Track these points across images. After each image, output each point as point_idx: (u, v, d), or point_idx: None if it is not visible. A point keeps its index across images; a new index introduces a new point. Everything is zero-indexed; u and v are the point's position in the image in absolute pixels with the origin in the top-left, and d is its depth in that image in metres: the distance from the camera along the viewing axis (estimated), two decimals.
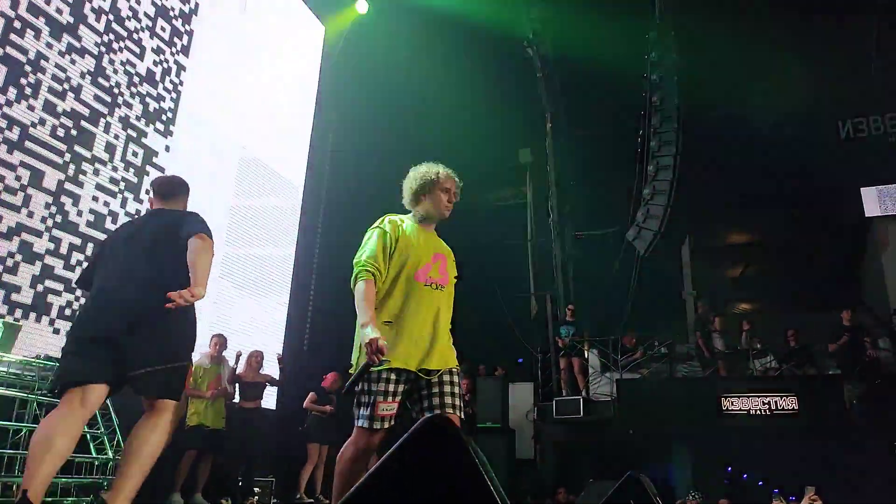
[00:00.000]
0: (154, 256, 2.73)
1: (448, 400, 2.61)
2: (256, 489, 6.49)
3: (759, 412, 8.91)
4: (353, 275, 2.60)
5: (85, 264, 4.57)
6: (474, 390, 9.39)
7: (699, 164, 11.01)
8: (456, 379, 2.69)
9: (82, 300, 5.68)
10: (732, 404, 9.07)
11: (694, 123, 11.13)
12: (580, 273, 11.97)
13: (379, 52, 11.20)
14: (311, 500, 6.96)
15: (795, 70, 10.89)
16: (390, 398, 2.53)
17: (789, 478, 8.40)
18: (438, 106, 11.28)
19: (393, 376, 2.54)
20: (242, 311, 8.24)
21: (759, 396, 8.97)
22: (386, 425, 2.54)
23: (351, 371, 2.59)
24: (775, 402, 8.87)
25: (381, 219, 2.81)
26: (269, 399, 7.82)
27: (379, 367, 2.48)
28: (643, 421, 9.07)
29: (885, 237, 10.88)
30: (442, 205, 2.84)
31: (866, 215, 10.83)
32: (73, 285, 5.80)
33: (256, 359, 6.90)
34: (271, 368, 7.39)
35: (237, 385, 6.71)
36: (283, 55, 9.98)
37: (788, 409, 8.81)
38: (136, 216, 6.59)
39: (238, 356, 6.83)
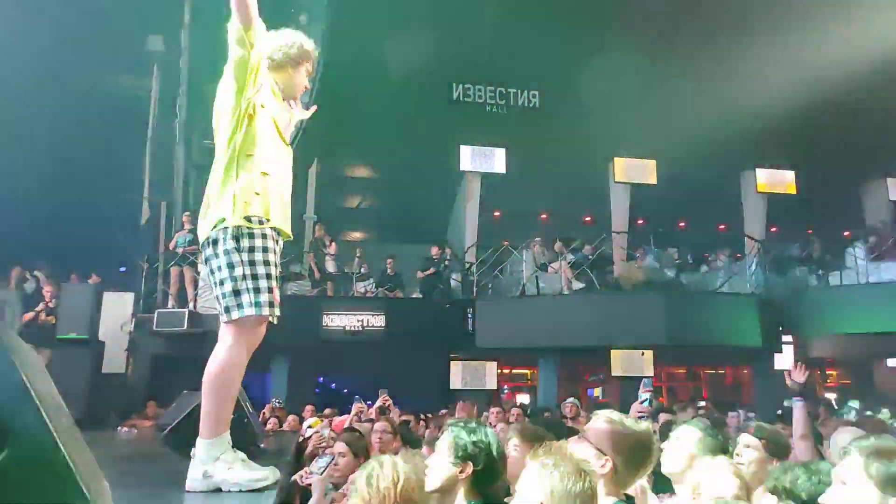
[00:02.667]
0: None
1: None
2: None
3: (353, 328, 10.04)
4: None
5: None
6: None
7: (323, 93, 11.35)
8: None
9: None
10: (332, 321, 10.04)
11: (336, 53, 11.40)
12: (206, 184, 11.33)
13: None
14: None
15: (426, 29, 12.03)
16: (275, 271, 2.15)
17: (371, 384, 9.72)
18: None
19: (274, 244, 2.23)
20: None
21: (355, 314, 10.11)
22: (278, 313, 2.16)
23: None
24: (368, 319, 10.11)
25: None
26: None
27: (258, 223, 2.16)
28: None
29: (472, 190, 13.08)
30: (301, 86, 2.50)
31: (461, 169, 12.81)
32: None
33: None
34: None
35: None
36: None
37: (377, 326, 10.12)
38: None
39: None
